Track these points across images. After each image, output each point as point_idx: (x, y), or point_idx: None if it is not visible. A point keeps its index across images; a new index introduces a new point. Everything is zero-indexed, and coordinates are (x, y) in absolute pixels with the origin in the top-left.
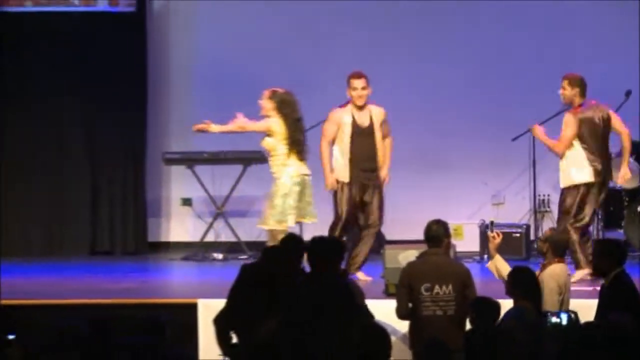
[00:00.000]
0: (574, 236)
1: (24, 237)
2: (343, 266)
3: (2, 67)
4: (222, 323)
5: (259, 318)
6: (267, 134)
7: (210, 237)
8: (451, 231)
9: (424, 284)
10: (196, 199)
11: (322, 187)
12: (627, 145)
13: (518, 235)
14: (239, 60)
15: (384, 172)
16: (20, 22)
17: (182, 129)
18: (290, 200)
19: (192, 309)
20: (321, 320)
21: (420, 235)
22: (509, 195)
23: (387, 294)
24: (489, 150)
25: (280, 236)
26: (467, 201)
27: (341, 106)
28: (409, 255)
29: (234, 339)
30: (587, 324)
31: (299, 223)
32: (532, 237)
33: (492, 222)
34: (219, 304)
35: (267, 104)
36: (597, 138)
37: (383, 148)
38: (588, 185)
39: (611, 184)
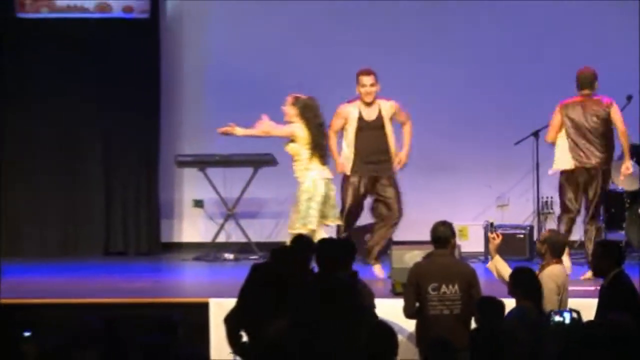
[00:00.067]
0: (564, 227)
1: (40, 238)
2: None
3: (21, 72)
4: (232, 322)
5: (269, 317)
6: (291, 139)
7: (221, 238)
8: (456, 232)
9: (431, 283)
10: (208, 200)
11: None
12: (622, 143)
13: (522, 236)
14: (250, 65)
15: (402, 155)
16: (37, 28)
17: (194, 133)
18: (314, 203)
19: (203, 308)
20: (329, 320)
21: (426, 236)
22: (513, 198)
23: (394, 293)
24: (493, 154)
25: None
26: (472, 203)
27: (349, 101)
28: (416, 256)
29: (244, 338)
30: (589, 323)
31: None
32: (535, 238)
33: (492, 224)
34: (230, 303)
35: (290, 110)
36: (585, 130)
37: (394, 139)
38: (568, 172)
39: (612, 186)
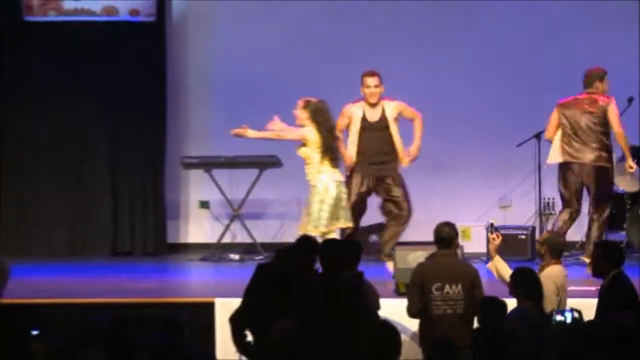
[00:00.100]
0: (559, 222)
1: (48, 238)
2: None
3: (26, 74)
4: (237, 321)
5: (273, 317)
6: (302, 142)
7: (227, 239)
8: (459, 233)
9: (434, 283)
10: (213, 201)
11: None
12: (619, 143)
13: (524, 237)
14: (255, 66)
15: (411, 149)
16: (44, 31)
17: (200, 134)
18: (325, 206)
19: (209, 307)
20: (332, 320)
21: (428, 237)
22: (516, 199)
23: (398, 293)
24: (496, 155)
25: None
26: (475, 204)
27: (354, 102)
28: (419, 256)
29: (249, 337)
30: (590, 323)
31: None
32: (537, 238)
33: (492, 224)
34: (236, 303)
35: (301, 114)
36: (578, 128)
37: (401, 139)
38: (563, 166)
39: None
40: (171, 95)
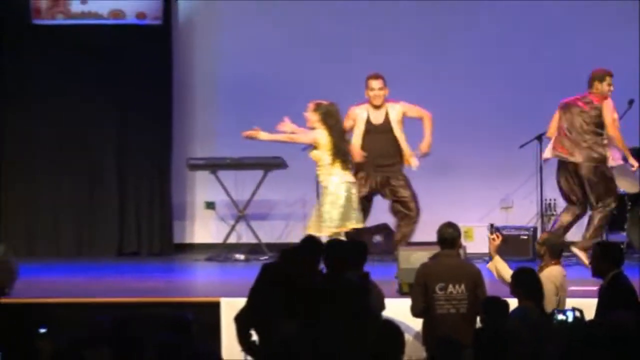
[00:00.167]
0: (561, 217)
1: (55, 239)
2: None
3: (36, 77)
4: (242, 321)
5: (278, 317)
6: (314, 145)
7: (232, 239)
8: (462, 233)
9: (438, 283)
10: (219, 202)
11: None
12: (617, 145)
13: (526, 237)
14: (261, 69)
15: (421, 146)
16: (52, 34)
17: (206, 136)
18: (336, 207)
19: (215, 307)
20: (335, 321)
21: (432, 237)
22: (517, 200)
23: (401, 293)
24: (498, 157)
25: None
26: (477, 205)
27: (359, 104)
28: (422, 257)
29: (254, 337)
30: (591, 322)
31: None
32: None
33: (492, 225)
34: (241, 302)
35: (312, 116)
36: (573, 128)
37: (406, 140)
38: (559, 163)
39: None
40: (177, 97)
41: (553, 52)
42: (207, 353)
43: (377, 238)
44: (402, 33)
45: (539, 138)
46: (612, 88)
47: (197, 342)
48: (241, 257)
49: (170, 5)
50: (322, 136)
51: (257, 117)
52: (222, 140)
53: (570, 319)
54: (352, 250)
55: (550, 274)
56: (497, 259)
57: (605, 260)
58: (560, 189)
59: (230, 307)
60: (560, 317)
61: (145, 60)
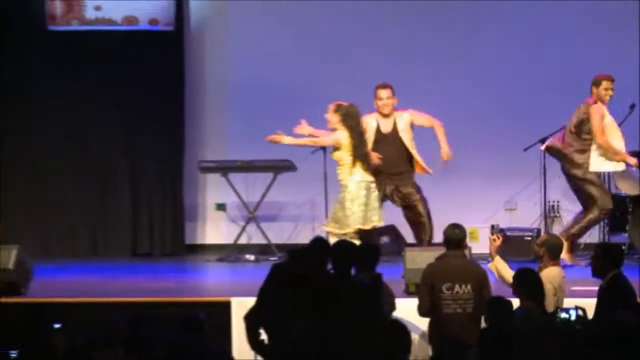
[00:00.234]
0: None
1: (71, 240)
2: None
3: (53, 82)
4: (252, 320)
5: (287, 316)
6: (336, 146)
7: (242, 240)
8: (467, 234)
9: (445, 283)
10: (230, 204)
11: None
12: (607, 152)
13: (529, 238)
14: (270, 74)
15: (442, 154)
16: (68, 40)
17: (217, 140)
18: (356, 205)
19: (226, 306)
20: (343, 321)
21: (438, 238)
22: (521, 201)
23: (408, 293)
24: (502, 159)
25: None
26: (482, 207)
27: (369, 112)
28: (428, 257)
29: (263, 336)
30: (592, 322)
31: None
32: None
33: (493, 226)
34: (251, 302)
35: (332, 118)
36: (571, 130)
37: (414, 148)
38: None
39: (616, 191)
40: (189, 102)
41: (554, 53)
42: (219, 352)
43: (385, 239)
44: (403, 33)
45: (543, 141)
46: (610, 93)
47: (209, 341)
48: (251, 257)
49: (182, 12)
50: (343, 137)
51: (267, 121)
52: (232, 144)
53: (573, 318)
54: (364, 252)
55: (549, 275)
56: (498, 259)
57: (605, 261)
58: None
59: (241, 307)
60: (563, 315)
61: (157, 65)
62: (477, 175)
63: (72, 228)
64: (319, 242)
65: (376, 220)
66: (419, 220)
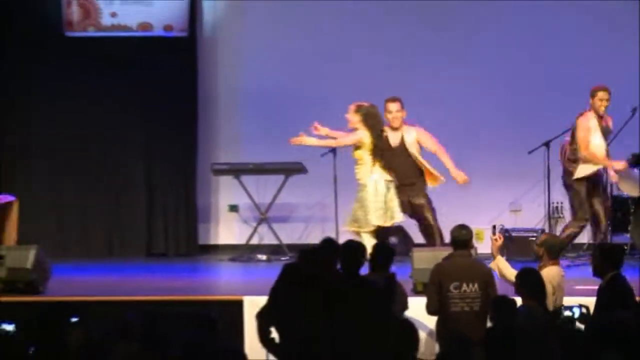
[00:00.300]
0: None
1: (87, 240)
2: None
3: (70, 87)
4: (263, 318)
5: (297, 315)
6: (357, 145)
7: (255, 240)
8: (473, 235)
9: (452, 282)
10: (242, 205)
11: None
12: (587, 159)
13: (534, 239)
14: (282, 79)
15: (456, 175)
16: (85, 46)
17: (229, 143)
18: (377, 202)
19: (238, 305)
20: (351, 320)
21: (445, 239)
22: (526, 203)
23: (416, 292)
24: (507, 162)
25: (369, 237)
26: (488, 208)
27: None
28: (435, 257)
29: (274, 333)
30: (593, 322)
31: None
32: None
33: (494, 226)
34: (263, 300)
35: (353, 117)
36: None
37: (422, 159)
38: None
39: (618, 192)
40: (202, 106)
41: (553, 54)
42: (231, 350)
43: (393, 239)
44: (403, 33)
45: (547, 144)
46: (605, 103)
47: (222, 339)
48: (263, 257)
49: (196, 18)
50: (364, 136)
51: (278, 124)
52: (245, 147)
53: (576, 315)
54: (379, 251)
55: (549, 274)
56: (499, 258)
57: (605, 261)
58: None
59: (253, 305)
60: (567, 313)
61: (171, 70)
62: (483, 178)
63: (89, 229)
64: (329, 243)
65: (396, 217)
66: (430, 233)
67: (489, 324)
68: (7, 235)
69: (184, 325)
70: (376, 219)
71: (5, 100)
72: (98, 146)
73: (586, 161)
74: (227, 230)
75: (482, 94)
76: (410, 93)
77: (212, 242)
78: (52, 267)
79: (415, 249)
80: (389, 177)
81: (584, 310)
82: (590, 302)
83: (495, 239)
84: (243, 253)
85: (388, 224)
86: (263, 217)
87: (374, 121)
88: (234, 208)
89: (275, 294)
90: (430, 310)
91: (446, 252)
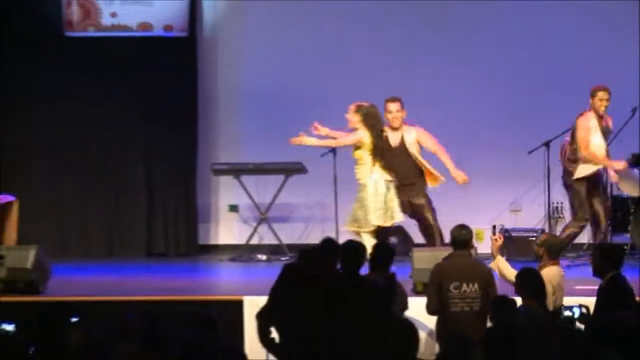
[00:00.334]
0: None
1: (87, 241)
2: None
3: (69, 87)
4: (263, 318)
5: (297, 315)
6: (357, 145)
7: (254, 240)
8: (473, 235)
9: (453, 282)
10: (242, 205)
11: None
12: (587, 159)
13: (534, 238)
14: (282, 79)
15: (456, 175)
16: (85, 46)
17: (229, 143)
18: (377, 202)
19: (238, 305)
20: (351, 320)
21: (445, 239)
22: (526, 203)
23: (415, 292)
24: (507, 162)
25: (369, 237)
26: (488, 208)
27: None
28: (435, 257)
29: (274, 333)
30: (593, 322)
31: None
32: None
33: (494, 226)
34: (263, 300)
35: (353, 117)
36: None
37: (422, 158)
38: None
39: (618, 192)
40: (202, 106)
41: (553, 54)
42: (231, 350)
43: (393, 239)
44: (403, 33)
45: (547, 144)
46: (605, 103)
47: (222, 338)
48: (263, 257)
49: (196, 18)
50: (365, 136)
51: (278, 124)
52: (245, 147)
53: (577, 315)
54: (379, 251)
55: (548, 274)
56: (499, 258)
57: (605, 261)
58: None
59: (253, 305)
60: (567, 313)
61: (171, 70)
62: (482, 178)
63: (89, 229)
64: (329, 243)
65: (396, 217)
66: (430, 233)
67: (489, 324)
68: (7, 235)
69: (184, 325)
70: (376, 219)
71: (5, 100)
72: (98, 146)
73: (586, 161)
74: (227, 230)
75: (482, 94)
76: (410, 93)
77: (212, 242)
78: (52, 267)
79: (415, 249)
80: (389, 177)
81: (584, 310)
82: (590, 302)
83: (495, 239)
84: (243, 253)
85: (388, 224)
86: (263, 217)
87: (374, 121)
88: (234, 208)
89: (275, 294)
90: (430, 310)
91: (446, 252)
